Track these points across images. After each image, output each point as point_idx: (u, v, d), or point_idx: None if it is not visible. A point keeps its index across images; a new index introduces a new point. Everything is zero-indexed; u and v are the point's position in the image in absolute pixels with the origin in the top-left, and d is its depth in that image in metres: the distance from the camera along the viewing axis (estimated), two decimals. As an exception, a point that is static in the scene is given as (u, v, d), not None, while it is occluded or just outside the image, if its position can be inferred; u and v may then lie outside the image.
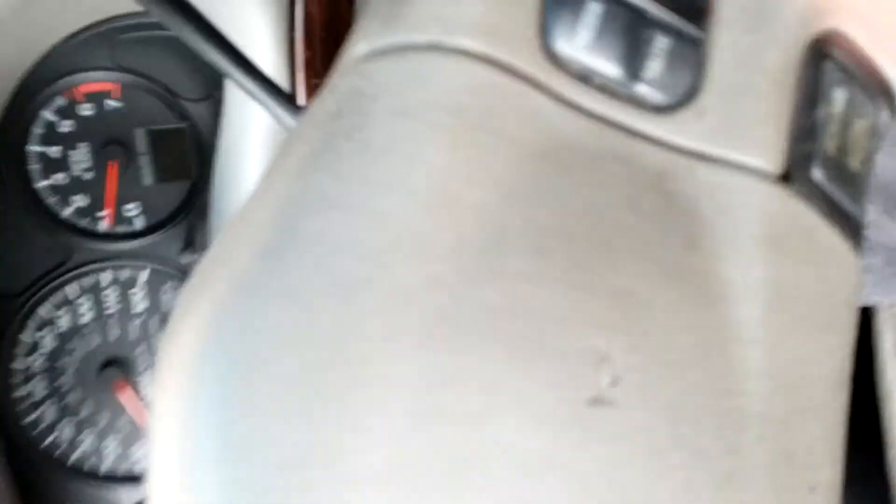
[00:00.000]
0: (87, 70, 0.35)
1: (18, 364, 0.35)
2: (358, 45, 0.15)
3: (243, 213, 0.15)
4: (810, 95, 0.15)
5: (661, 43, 0.14)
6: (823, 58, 0.15)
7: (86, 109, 0.35)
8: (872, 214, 0.30)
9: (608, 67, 0.14)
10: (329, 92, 0.15)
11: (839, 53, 0.15)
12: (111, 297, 0.36)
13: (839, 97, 0.15)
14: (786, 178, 0.15)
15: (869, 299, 0.36)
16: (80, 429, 0.36)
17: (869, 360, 0.40)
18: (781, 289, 0.15)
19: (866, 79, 0.16)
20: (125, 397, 0.36)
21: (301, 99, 0.31)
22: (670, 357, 0.14)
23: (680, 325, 0.14)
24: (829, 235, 0.15)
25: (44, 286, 0.36)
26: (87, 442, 0.36)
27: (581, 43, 0.14)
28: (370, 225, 0.14)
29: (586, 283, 0.14)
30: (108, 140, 0.36)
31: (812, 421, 0.15)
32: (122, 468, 0.36)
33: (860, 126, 0.16)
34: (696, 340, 0.14)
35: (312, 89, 0.32)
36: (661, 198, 0.14)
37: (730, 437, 0.14)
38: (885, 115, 0.16)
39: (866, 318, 0.40)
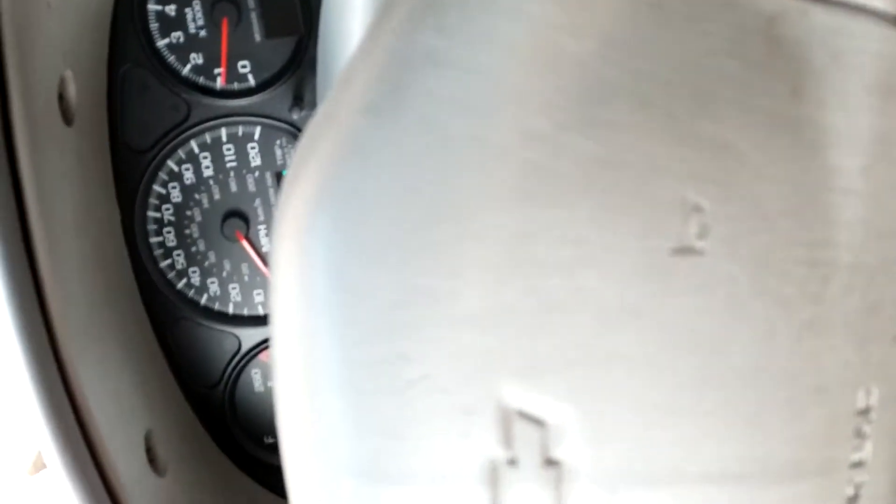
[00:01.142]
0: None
1: (153, 213, 0.39)
2: None
3: (348, 72, 0.16)
4: None
5: None
6: None
7: (196, -35, 0.36)
8: None
9: None
10: None
11: None
12: (230, 153, 0.38)
13: None
14: None
15: None
16: (207, 274, 0.39)
17: None
18: (888, 139, 0.14)
19: None
20: (246, 247, 0.39)
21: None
22: (763, 208, 0.14)
23: (777, 176, 0.14)
24: None
25: (170, 141, 0.38)
26: (214, 286, 0.39)
27: None
28: (472, 81, 0.14)
29: (684, 134, 0.14)
30: (219, -4, 0.36)
31: None
32: (247, 310, 0.40)
33: None
34: (792, 190, 0.14)
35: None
36: (769, 43, 0.14)
37: (815, 286, 0.14)
38: None
39: None
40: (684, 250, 0.14)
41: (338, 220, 0.15)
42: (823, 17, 0.14)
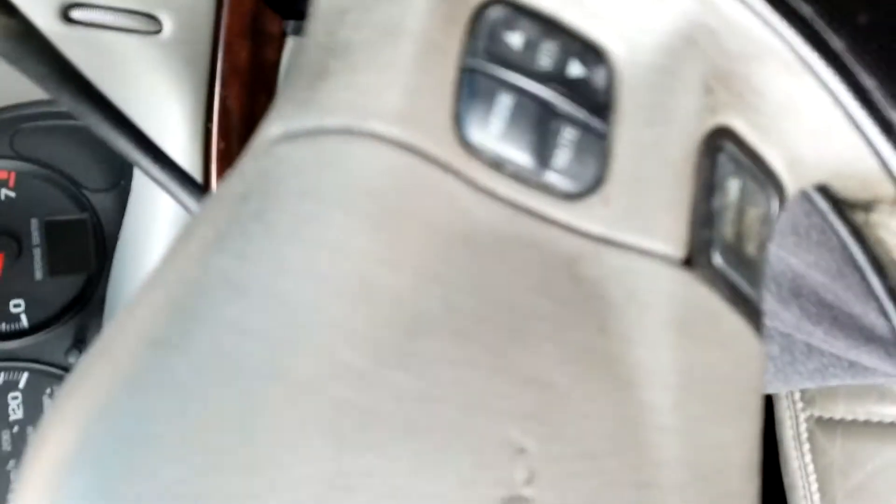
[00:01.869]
0: (-20, 157, 0.33)
1: None
2: (270, 128, 0.15)
3: (135, 301, 0.14)
4: (707, 185, 0.16)
5: (568, 134, 0.15)
6: (717, 151, 0.16)
7: (-25, 198, 0.33)
8: (767, 303, 0.31)
9: (519, 156, 0.15)
10: (237, 174, 0.14)
11: (731, 147, 0.16)
12: (-15, 404, 0.33)
13: (733, 187, 0.16)
14: (688, 263, 0.15)
15: (768, 389, 0.37)
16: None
17: (771, 451, 0.40)
18: (691, 373, 0.15)
19: (756, 170, 0.17)
20: (-10, 521, 0.32)
21: (214, 190, 0.30)
22: (587, 447, 0.13)
23: (594, 413, 0.14)
24: (732, 319, 0.16)
25: None
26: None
27: (493, 132, 0.15)
28: (276, 311, 0.13)
29: (504, 368, 0.13)
30: (-1, 231, 0.33)
31: None
32: None
33: (753, 214, 0.17)
34: (612, 428, 0.14)
35: (226, 182, 0.31)
36: (572, 282, 0.15)
37: None
38: (774, 204, 0.17)
39: (768, 407, 0.41)
40: (513, 500, 0.13)
41: (96, 476, 0.12)
42: (617, 259, 0.15)
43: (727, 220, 0.16)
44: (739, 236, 0.16)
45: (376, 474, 0.12)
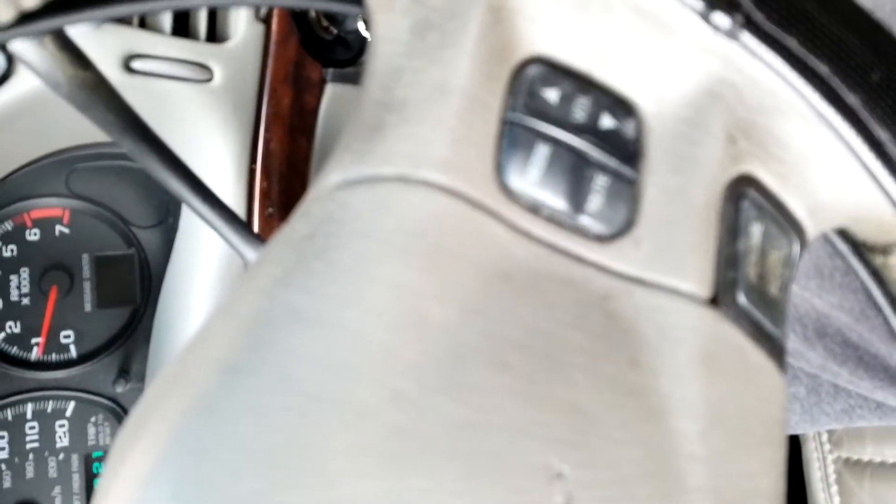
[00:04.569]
0: (39, 196, 0.35)
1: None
2: (331, 175, 0.16)
3: (204, 332, 0.15)
4: (731, 229, 0.17)
5: (600, 181, 0.16)
6: (741, 197, 0.17)
7: (32, 234, 0.35)
8: (793, 343, 0.32)
9: (555, 201, 0.16)
10: (302, 216, 0.16)
11: (754, 194, 0.17)
12: (33, 431, 0.34)
13: (756, 231, 0.17)
14: (714, 301, 0.16)
15: (795, 429, 0.37)
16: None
17: (799, 493, 0.40)
18: (717, 404, 0.15)
19: (778, 215, 0.18)
20: (34, 546, 0.33)
21: (256, 227, 0.31)
22: (620, 473, 0.14)
23: (627, 441, 0.14)
24: (756, 355, 0.16)
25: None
26: None
27: (531, 179, 0.16)
28: (336, 341, 0.14)
29: (542, 398, 0.14)
30: (52, 265, 0.35)
31: None
32: None
33: (776, 256, 0.18)
34: (643, 455, 0.15)
35: (265, 219, 0.32)
36: (606, 318, 0.15)
37: None
38: (796, 247, 0.18)
39: (795, 448, 0.41)
40: None
41: (175, 489, 0.13)
42: (646, 297, 0.16)
43: (751, 262, 0.17)
44: (762, 277, 0.17)
45: (425, 494, 0.13)
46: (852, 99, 0.17)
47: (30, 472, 0.33)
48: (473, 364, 0.14)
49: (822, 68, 0.16)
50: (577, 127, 0.16)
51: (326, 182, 0.16)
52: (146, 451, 0.13)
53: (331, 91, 0.35)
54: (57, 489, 0.34)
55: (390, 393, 0.13)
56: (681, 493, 0.14)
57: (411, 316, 0.14)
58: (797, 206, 0.18)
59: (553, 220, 0.16)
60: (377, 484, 0.13)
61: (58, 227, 0.35)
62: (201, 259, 0.32)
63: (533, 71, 0.16)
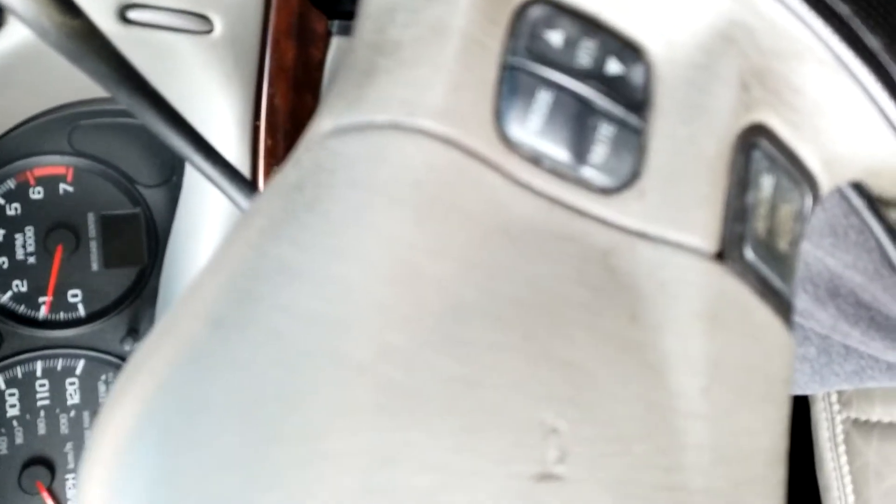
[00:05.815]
0: (41, 154, 0.34)
1: None
2: (322, 123, 0.15)
3: (194, 286, 0.15)
4: (741, 181, 0.16)
5: (605, 130, 0.15)
6: (752, 147, 0.16)
7: (36, 193, 0.35)
8: (803, 303, 0.31)
9: (557, 151, 0.15)
10: (292, 166, 0.15)
11: (766, 144, 0.16)
12: (44, 388, 0.34)
13: (767, 183, 0.16)
14: (720, 256, 0.15)
15: (805, 389, 0.36)
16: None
17: (806, 452, 0.40)
18: (720, 361, 0.15)
19: (790, 167, 0.17)
20: (47, 501, 0.33)
21: (261, 185, 0.31)
22: (617, 430, 0.14)
23: (625, 397, 0.14)
24: (762, 312, 0.16)
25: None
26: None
27: (532, 128, 0.15)
28: (328, 294, 0.14)
29: (539, 354, 0.14)
30: (57, 224, 0.35)
31: (753, 494, 0.15)
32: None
33: (786, 210, 0.17)
34: (641, 413, 0.14)
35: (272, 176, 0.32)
36: (606, 273, 0.15)
37: None
38: (808, 201, 0.18)
39: (804, 409, 0.40)
40: (545, 477, 0.13)
41: (161, 443, 0.13)
42: (649, 252, 0.15)
43: (760, 215, 0.16)
44: (772, 232, 0.16)
45: (418, 449, 0.13)
46: (873, 41, 0.16)
47: (41, 428, 0.34)
48: (469, 319, 0.14)
49: (842, 8, 0.16)
50: (581, 72, 0.15)
51: (317, 129, 0.15)
52: (133, 403, 0.13)
53: (336, 44, 0.34)
54: (69, 445, 0.34)
55: (382, 347, 0.13)
56: (679, 450, 0.14)
57: (405, 269, 0.14)
58: (811, 158, 0.17)
59: (555, 171, 0.15)
60: (367, 437, 0.13)
61: (62, 186, 0.35)
62: (206, 218, 0.32)
63: (536, 12, 0.15)
